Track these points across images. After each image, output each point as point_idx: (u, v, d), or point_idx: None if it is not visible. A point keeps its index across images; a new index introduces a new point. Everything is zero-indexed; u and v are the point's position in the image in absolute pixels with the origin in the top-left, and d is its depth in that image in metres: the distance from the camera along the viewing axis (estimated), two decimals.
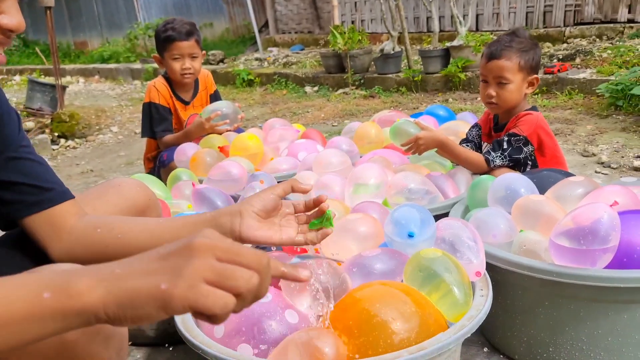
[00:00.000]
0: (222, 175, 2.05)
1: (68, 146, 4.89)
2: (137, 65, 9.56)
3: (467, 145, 2.20)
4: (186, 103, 2.83)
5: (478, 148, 2.20)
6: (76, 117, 5.21)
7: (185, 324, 1.26)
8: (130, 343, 1.75)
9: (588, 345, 1.37)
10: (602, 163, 2.94)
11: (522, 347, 1.48)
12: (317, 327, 1.20)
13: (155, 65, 8.86)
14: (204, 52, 2.77)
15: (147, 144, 2.91)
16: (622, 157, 3.01)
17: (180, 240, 0.63)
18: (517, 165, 2.02)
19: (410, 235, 1.32)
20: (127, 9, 11.79)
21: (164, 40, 2.65)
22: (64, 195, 1.11)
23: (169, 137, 2.72)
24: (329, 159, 2.05)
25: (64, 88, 5.58)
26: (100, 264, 0.64)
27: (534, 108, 2.07)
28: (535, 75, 2.04)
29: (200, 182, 2.16)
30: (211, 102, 2.89)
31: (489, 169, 1.99)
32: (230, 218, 1.07)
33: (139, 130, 5.21)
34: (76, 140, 5.03)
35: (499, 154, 1.98)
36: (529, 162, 2.02)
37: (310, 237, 1.14)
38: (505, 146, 1.98)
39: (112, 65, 10.19)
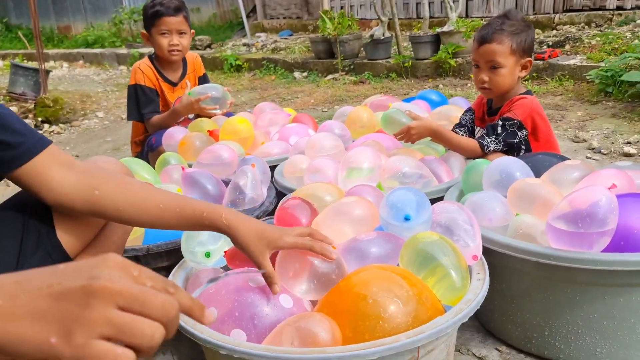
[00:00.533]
0: (212, 159, 2.01)
1: (52, 131, 4.80)
2: (123, 50, 9.42)
3: (460, 130, 2.17)
4: (174, 84, 2.76)
5: (471, 133, 2.18)
6: (60, 102, 5.11)
7: None
8: None
9: (584, 329, 1.36)
10: (593, 149, 2.94)
11: (517, 331, 1.47)
12: (313, 311, 1.18)
13: (142, 50, 8.76)
14: (192, 31, 2.71)
15: (133, 128, 2.85)
16: (612, 143, 3.01)
17: (78, 272, 0.52)
18: (510, 149, 2.00)
19: (407, 219, 1.30)
20: None
21: (152, 15, 2.58)
22: (40, 143, 1.10)
23: (156, 118, 2.65)
24: (322, 143, 2.02)
25: (47, 72, 5.48)
26: None
27: (528, 92, 2.04)
28: (529, 58, 2.00)
29: (190, 166, 2.12)
30: (200, 85, 2.83)
31: (483, 154, 1.97)
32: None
33: (125, 115, 5.11)
34: (60, 125, 4.94)
35: (493, 139, 1.96)
36: (523, 147, 2.00)
37: None
38: (499, 131, 1.96)
39: (97, 50, 10.03)
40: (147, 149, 2.67)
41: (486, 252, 1.36)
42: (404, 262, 1.25)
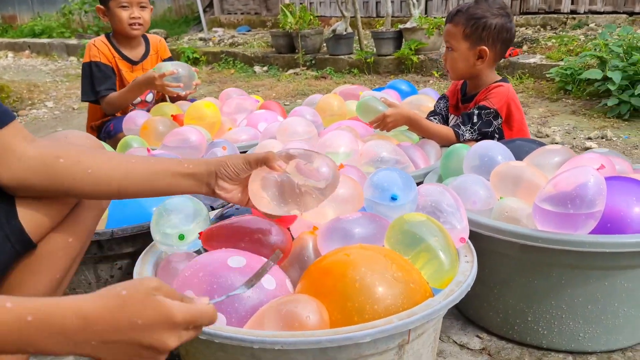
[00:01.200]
0: (179, 141, 1.90)
1: None
2: (73, 41, 9.07)
3: (435, 119, 2.15)
4: (134, 63, 2.58)
5: (446, 121, 2.16)
6: (6, 90, 4.85)
7: None
8: None
9: (567, 313, 1.34)
10: (556, 144, 2.97)
11: (499, 318, 1.44)
12: (296, 292, 1.11)
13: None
14: (151, 7, 2.56)
15: (89, 111, 2.66)
16: (574, 138, 3.06)
17: (137, 333, 0.71)
18: (484, 138, 1.98)
19: (394, 198, 1.25)
20: None
21: None
22: (5, 116, 1.00)
23: (113, 95, 2.45)
24: (294, 128, 1.95)
25: None
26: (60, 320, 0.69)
27: (504, 80, 2.02)
28: (484, 47, 1.92)
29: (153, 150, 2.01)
30: None
31: (459, 142, 1.94)
32: (207, 177, 1.11)
33: (77, 106, 4.91)
34: None
35: (468, 128, 1.94)
36: (496, 135, 1.99)
37: None
38: (475, 120, 1.93)
39: (45, 40, 9.62)
40: (104, 135, 2.52)
41: (470, 236, 1.31)
42: (391, 243, 1.20)
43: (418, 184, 1.65)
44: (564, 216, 1.23)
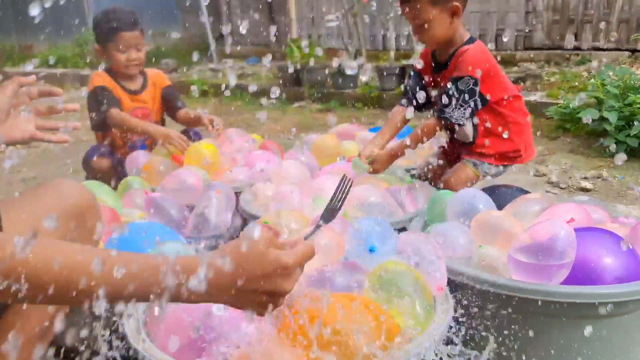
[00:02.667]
0: (176, 184, 1.98)
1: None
2: (86, 72, 9.27)
3: (405, 103, 2.14)
4: (133, 92, 2.66)
5: (414, 98, 2.12)
6: None
7: (136, 337, 1.19)
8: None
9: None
10: (552, 183, 3.02)
11: None
12: (275, 337, 1.16)
13: None
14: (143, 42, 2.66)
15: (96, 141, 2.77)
16: (570, 177, 3.11)
17: (274, 284, 0.86)
18: (472, 109, 1.96)
19: (372, 250, 1.30)
20: (78, 13, 11.44)
21: (109, 31, 2.52)
22: None
23: (123, 114, 2.49)
24: (288, 170, 2.02)
25: None
26: None
27: (470, 39, 2.00)
28: (454, 3, 1.91)
29: (153, 191, 2.08)
30: (166, 95, 2.74)
31: (452, 124, 1.97)
32: None
33: (85, 137, 5.01)
34: (18, 145, 4.78)
35: (452, 107, 1.92)
36: (479, 102, 1.97)
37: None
38: (456, 95, 1.92)
39: (58, 70, 9.85)
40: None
41: (448, 283, 1.36)
42: (369, 292, 1.25)
43: (405, 228, 1.72)
44: (536, 267, 1.29)
